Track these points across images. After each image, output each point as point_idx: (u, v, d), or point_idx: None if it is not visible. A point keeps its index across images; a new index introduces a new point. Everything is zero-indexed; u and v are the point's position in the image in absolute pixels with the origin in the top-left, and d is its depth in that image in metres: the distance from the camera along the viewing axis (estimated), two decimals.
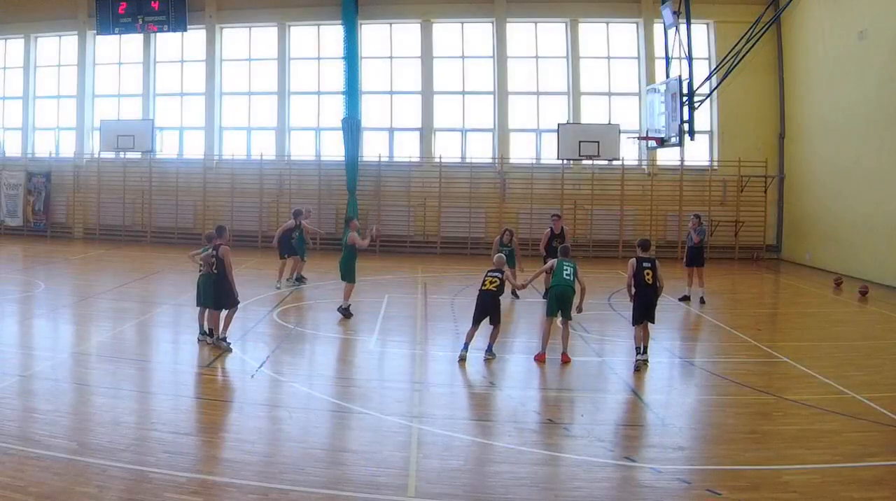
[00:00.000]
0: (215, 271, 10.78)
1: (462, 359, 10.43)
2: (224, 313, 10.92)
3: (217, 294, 10.81)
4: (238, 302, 11.04)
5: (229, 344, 10.78)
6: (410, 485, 6.39)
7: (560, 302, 10.64)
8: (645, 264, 10.50)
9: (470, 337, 10.65)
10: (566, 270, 10.74)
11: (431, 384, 9.75)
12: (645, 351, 10.34)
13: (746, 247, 24.36)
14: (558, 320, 10.73)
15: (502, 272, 10.94)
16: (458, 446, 7.41)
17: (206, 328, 11.10)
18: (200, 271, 11.13)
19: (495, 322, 10.76)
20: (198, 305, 11.19)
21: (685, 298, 15.83)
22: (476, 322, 10.69)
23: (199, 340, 11.09)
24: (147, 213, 26.51)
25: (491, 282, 10.76)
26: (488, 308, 10.72)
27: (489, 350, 10.64)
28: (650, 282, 10.45)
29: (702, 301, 15.70)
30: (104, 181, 26.89)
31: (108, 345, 11.18)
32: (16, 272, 18.99)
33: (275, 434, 7.79)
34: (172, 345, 11.94)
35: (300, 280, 17.18)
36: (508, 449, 7.31)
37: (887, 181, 18.70)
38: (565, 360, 10.45)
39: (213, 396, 9.07)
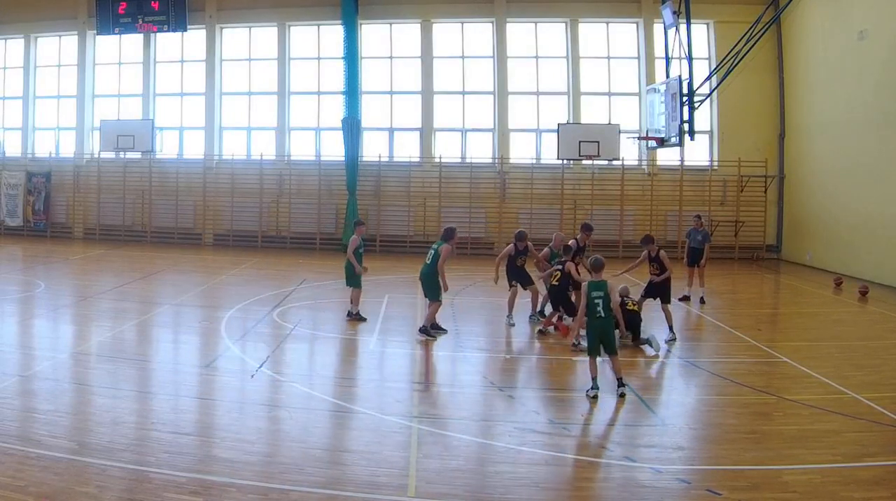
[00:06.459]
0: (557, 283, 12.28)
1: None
2: None
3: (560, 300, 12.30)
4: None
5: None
6: (410, 485, 6.39)
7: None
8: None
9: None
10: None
11: (431, 384, 9.75)
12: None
13: (746, 247, 24.36)
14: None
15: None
16: (458, 446, 7.40)
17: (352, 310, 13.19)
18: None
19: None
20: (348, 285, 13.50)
21: (685, 298, 15.83)
22: None
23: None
24: (147, 213, 26.52)
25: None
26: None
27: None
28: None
29: (702, 301, 15.71)
30: (104, 181, 26.90)
31: (108, 345, 11.17)
32: (16, 272, 18.98)
33: (275, 434, 7.78)
34: (172, 345, 11.95)
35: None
36: (508, 449, 7.30)
37: (887, 181, 18.69)
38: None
39: (214, 396, 9.07)
